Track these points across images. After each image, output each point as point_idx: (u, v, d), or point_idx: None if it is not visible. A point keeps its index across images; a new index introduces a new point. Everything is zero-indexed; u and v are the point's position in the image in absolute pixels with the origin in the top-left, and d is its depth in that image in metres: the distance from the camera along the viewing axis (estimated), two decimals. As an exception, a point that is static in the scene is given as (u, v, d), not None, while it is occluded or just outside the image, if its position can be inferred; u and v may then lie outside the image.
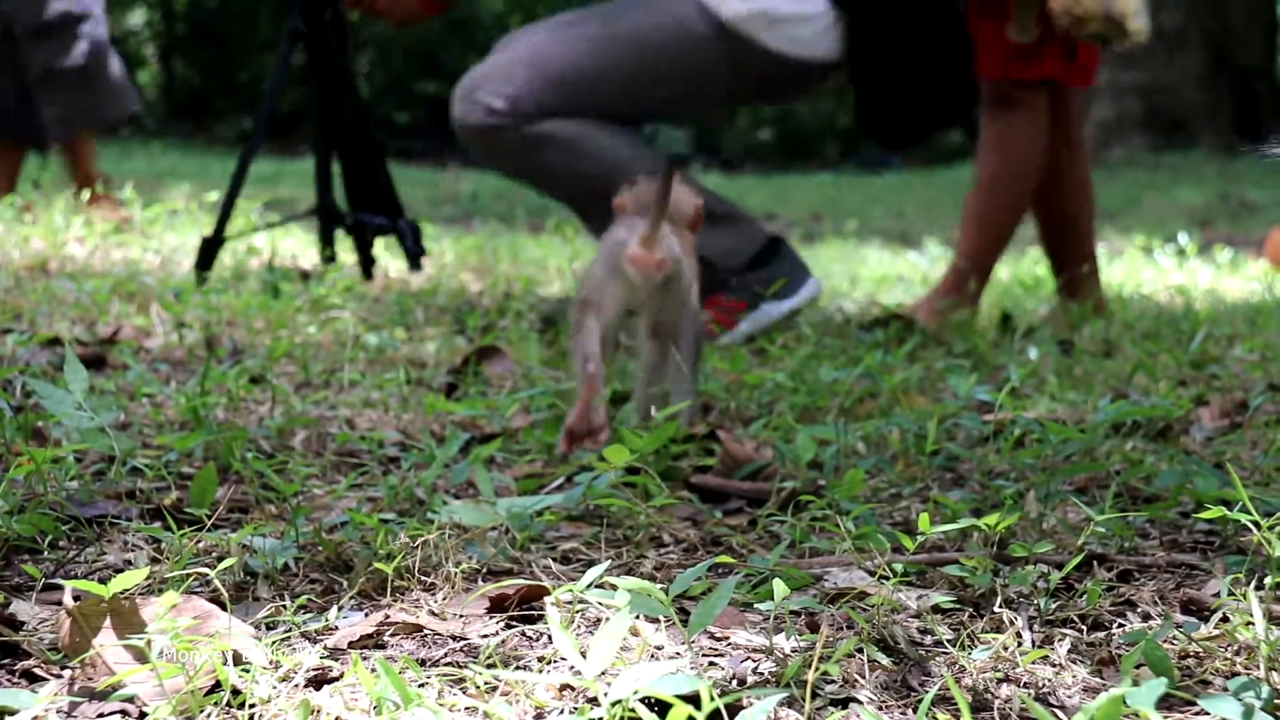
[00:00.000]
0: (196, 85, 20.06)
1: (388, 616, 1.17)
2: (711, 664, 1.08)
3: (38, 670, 1.07)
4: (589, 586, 1.04)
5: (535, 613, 1.20)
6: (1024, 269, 4.87)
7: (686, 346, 1.80)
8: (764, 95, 3.23)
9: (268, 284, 3.04)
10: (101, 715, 0.98)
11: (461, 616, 1.18)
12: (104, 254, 3.89)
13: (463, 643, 1.13)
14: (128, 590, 1.06)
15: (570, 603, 1.15)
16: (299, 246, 4.13)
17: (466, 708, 0.96)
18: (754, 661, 1.09)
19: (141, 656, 1.00)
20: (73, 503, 1.47)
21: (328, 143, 3.30)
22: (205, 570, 1.18)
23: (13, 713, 0.97)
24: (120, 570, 1.30)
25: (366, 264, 3.41)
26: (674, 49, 2.94)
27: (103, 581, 1.04)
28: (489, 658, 1.05)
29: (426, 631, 1.15)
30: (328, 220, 3.38)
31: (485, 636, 1.13)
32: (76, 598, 1.09)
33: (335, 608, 1.19)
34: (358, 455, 1.79)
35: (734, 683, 1.04)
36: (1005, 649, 1.10)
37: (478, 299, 3.31)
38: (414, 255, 3.24)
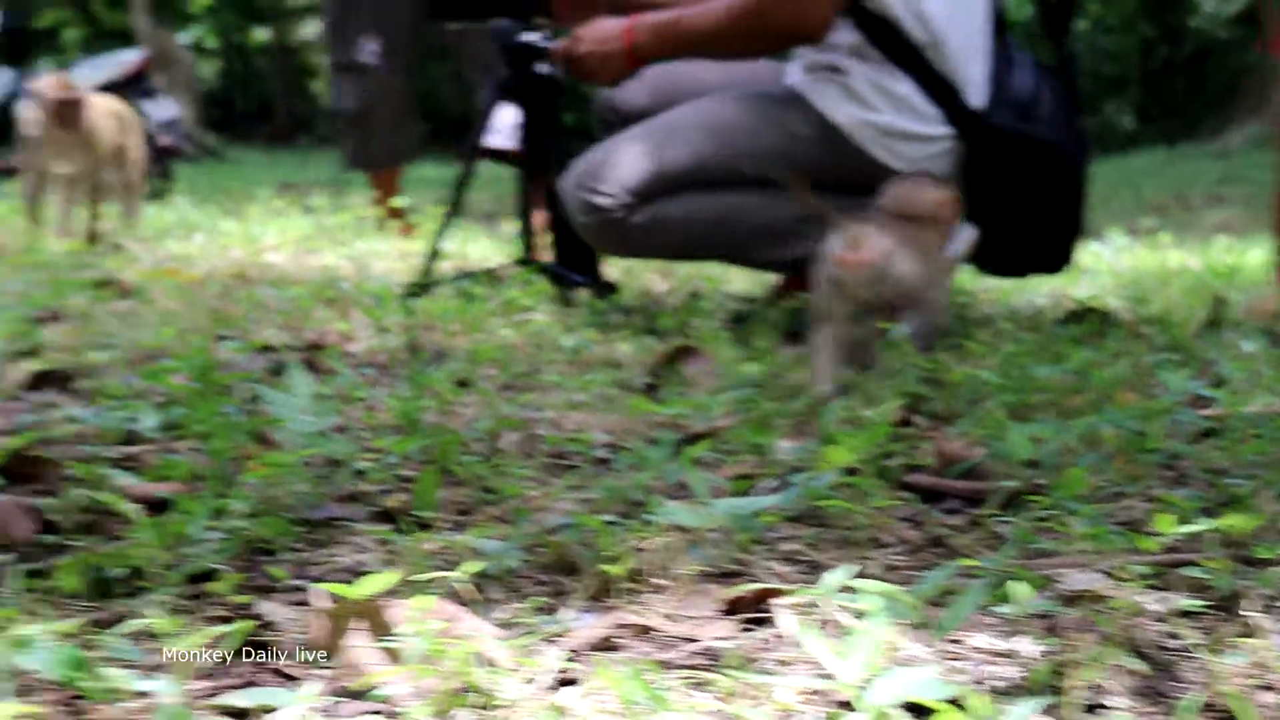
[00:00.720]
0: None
1: (619, 619, 1.17)
2: (954, 669, 1.06)
3: (289, 670, 1.10)
4: (831, 590, 1.03)
5: (765, 615, 1.19)
6: (1214, 257, 4.69)
7: (918, 325, 1.77)
8: (864, 191, 3.19)
9: (461, 288, 3.09)
10: (358, 714, 1.01)
11: (694, 618, 1.17)
12: (298, 261, 4.02)
13: (698, 645, 1.12)
14: (375, 592, 1.09)
15: (806, 605, 1.13)
16: (486, 251, 4.20)
17: (713, 711, 0.96)
18: (996, 666, 1.06)
19: (392, 657, 1.02)
20: (304, 505, 1.52)
21: (532, 196, 3.26)
22: (445, 573, 1.20)
23: (271, 710, 1.00)
24: (355, 571, 1.33)
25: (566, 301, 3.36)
26: (782, 148, 2.91)
27: (343, 582, 1.06)
28: (729, 660, 1.05)
29: (659, 634, 1.15)
30: (535, 271, 3.30)
31: (720, 639, 1.13)
32: (327, 600, 1.12)
33: (567, 609, 1.20)
34: (568, 457, 1.81)
35: (981, 687, 1.01)
36: (1259, 654, 1.05)
37: (665, 299, 3.32)
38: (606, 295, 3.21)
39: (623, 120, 3.12)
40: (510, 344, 2.62)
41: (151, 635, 1.06)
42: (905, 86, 2.87)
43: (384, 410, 2.02)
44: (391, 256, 4.30)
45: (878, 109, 2.88)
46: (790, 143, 2.90)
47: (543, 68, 3.10)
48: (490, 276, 3.08)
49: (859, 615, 1.00)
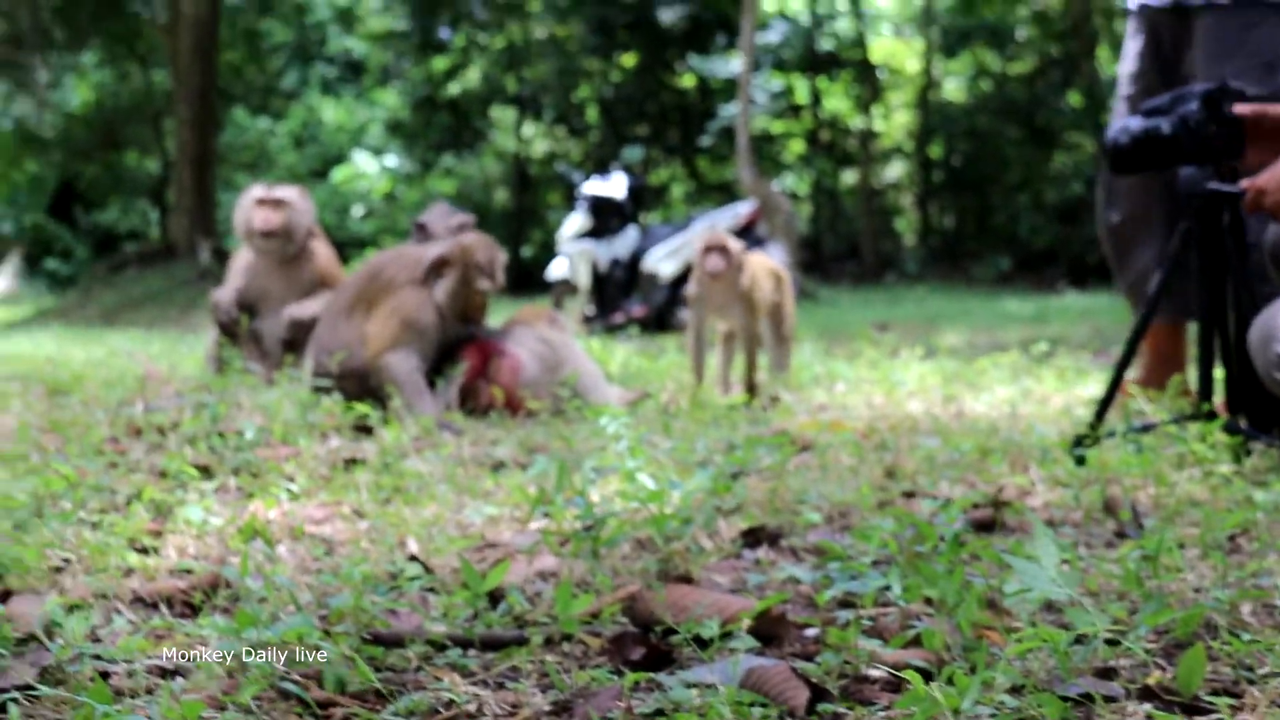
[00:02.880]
0: (952, 229, 20.79)
1: None
2: None
3: None
4: None
5: None
6: None
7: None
8: None
9: (1128, 437, 3.01)
10: None
11: None
12: (944, 408, 4.09)
13: None
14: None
15: None
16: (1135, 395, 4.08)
17: None
18: None
19: None
20: (1056, 680, 1.51)
21: (1211, 346, 3.09)
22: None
23: None
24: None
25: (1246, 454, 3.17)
26: None
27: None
28: None
29: None
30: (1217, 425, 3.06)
31: None
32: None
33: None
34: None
35: None
36: None
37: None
38: None
39: None
40: (1200, 500, 2.52)
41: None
42: None
43: (1095, 574, 1.99)
44: (1032, 400, 4.30)
45: None
46: None
47: (1227, 215, 2.96)
48: (1162, 428, 2.97)
49: None
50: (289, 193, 5.12)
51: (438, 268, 4.30)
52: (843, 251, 20.62)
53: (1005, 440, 3.19)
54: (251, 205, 5.10)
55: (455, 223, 5.05)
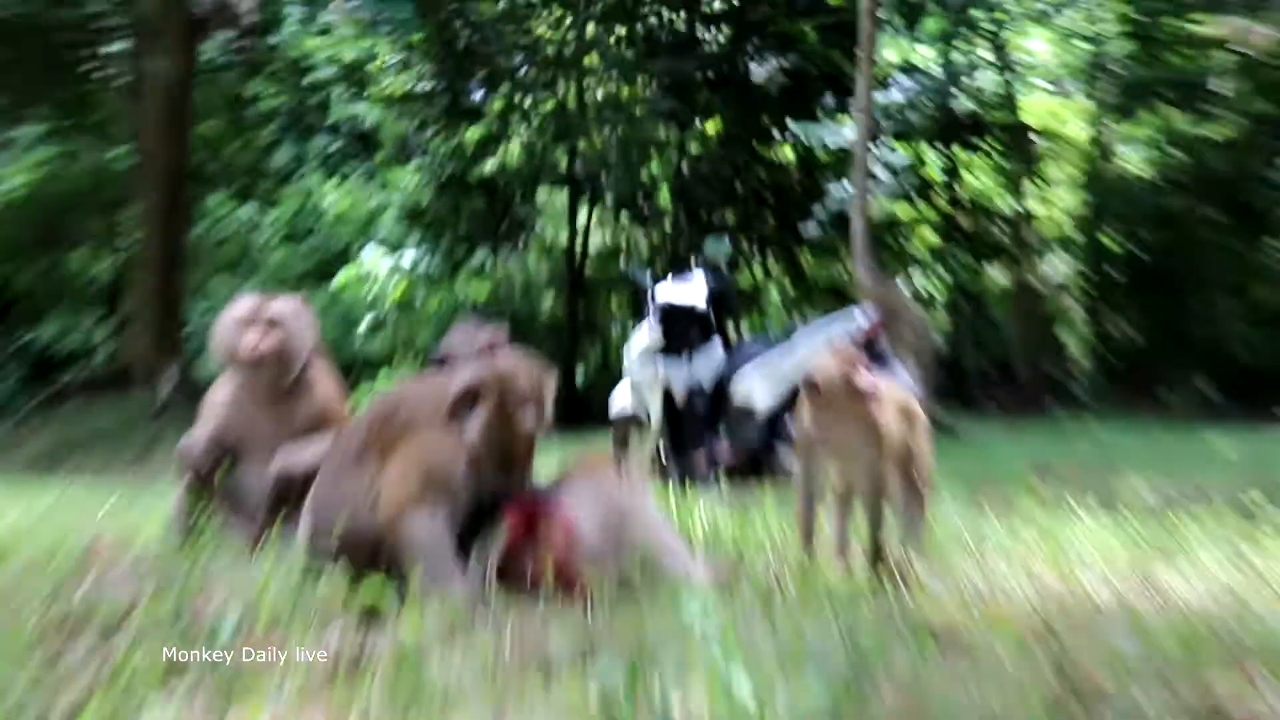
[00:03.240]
0: (1134, 344, 20.65)
1: None
2: None
3: None
4: None
5: None
6: None
7: None
8: None
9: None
10: None
11: None
12: (1134, 588, 4.04)
13: None
14: None
15: None
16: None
17: None
18: None
19: None
20: None
21: None
22: None
23: None
24: None
25: None
26: None
27: None
28: None
29: None
30: None
31: None
32: None
33: None
34: None
35: None
36: None
37: None
38: None
39: None
40: None
41: None
42: None
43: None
44: (1250, 573, 4.23)
45: None
46: None
47: None
48: None
49: None
50: (285, 308, 5.20)
51: (467, 400, 4.34)
52: (991, 373, 20.57)
53: (1216, 630, 3.15)
54: (236, 324, 5.18)
55: (484, 341, 5.08)
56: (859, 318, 10.78)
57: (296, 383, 5.20)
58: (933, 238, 21.06)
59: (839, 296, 18.99)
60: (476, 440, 4.32)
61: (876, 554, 4.44)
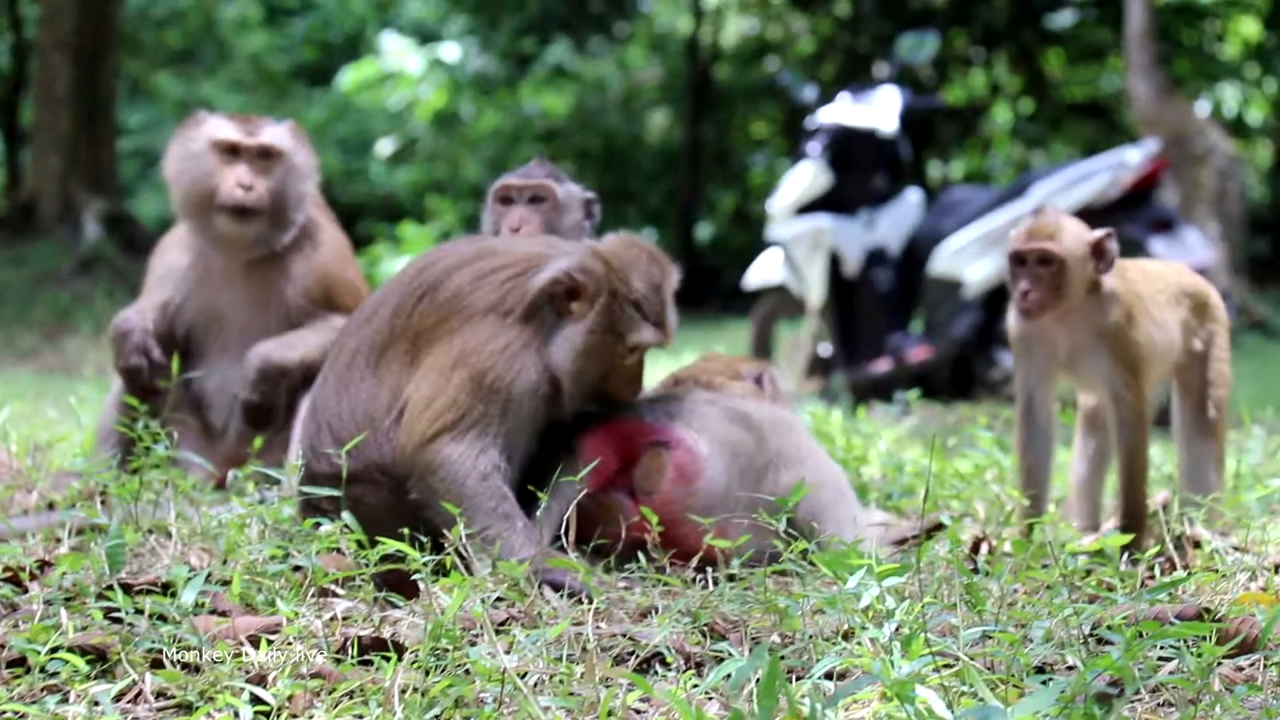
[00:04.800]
0: None
1: None
2: None
3: None
4: None
5: None
6: None
7: None
8: None
9: None
10: None
11: None
12: None
13: None
14: None
15: None
16: None
17: None
18: None
19: None
20: None
21: None
22: None
23: None
24: None
25: None
26: None
27: None
28: None
29: None
30: None
31: None
32: None
33: None
34: None
35: None
36: None
37: None
38: None
39: None
40: None
41: None
42: None
43: None
44: None
45: None
46: None
47: None
48: None
49: None
50: (279, 135, 5.22)
51: (562, 298, 4.38)
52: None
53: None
54: (210, 152, 5.21)
55: (579, 198, 5.02)
56: (1131, 157, 10.63)
57: (289, 243, 5.21)
58: (1253, 31, 20.74)
59: (1103, 121, 18.83)
60: (568, 359, 4.33)
61: (1134, 512, 4.45)
